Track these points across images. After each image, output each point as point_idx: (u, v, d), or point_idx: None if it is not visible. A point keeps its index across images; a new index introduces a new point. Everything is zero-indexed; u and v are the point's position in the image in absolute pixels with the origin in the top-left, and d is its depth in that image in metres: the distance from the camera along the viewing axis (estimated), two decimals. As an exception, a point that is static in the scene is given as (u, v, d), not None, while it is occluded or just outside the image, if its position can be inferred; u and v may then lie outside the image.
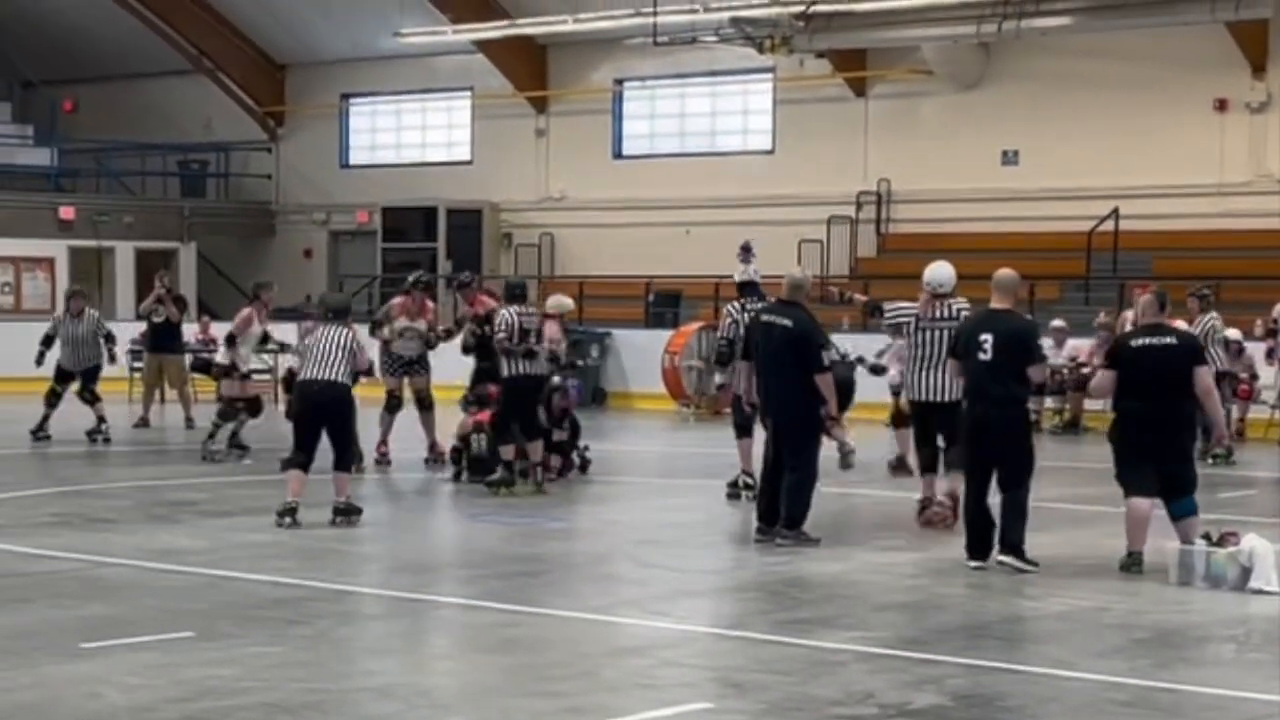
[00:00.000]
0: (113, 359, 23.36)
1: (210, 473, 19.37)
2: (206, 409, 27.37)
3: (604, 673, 9.78)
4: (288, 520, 14.98)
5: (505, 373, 17.44)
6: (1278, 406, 23.84)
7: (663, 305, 31.96)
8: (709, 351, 27.89)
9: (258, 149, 40.97)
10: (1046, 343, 20.26)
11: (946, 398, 14.72)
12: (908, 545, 14.41)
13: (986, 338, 13.04)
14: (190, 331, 29.13)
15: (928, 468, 15.49)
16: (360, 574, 13.11)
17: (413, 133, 39.60)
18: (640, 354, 28.88)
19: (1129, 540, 12.96)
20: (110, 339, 23.22)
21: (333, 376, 15.23)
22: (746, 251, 17.64)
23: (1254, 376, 24.01)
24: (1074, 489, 17.52)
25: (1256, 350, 23.91)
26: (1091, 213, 29.35)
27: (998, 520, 13.04)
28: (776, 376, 14.36)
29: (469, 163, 38.21)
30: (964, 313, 15.04)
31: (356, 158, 40.26)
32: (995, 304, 13.38)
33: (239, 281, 39.78)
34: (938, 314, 15.16)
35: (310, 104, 40.20)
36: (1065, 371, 24.61)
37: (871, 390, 25.53)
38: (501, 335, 17.35)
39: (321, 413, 15.34)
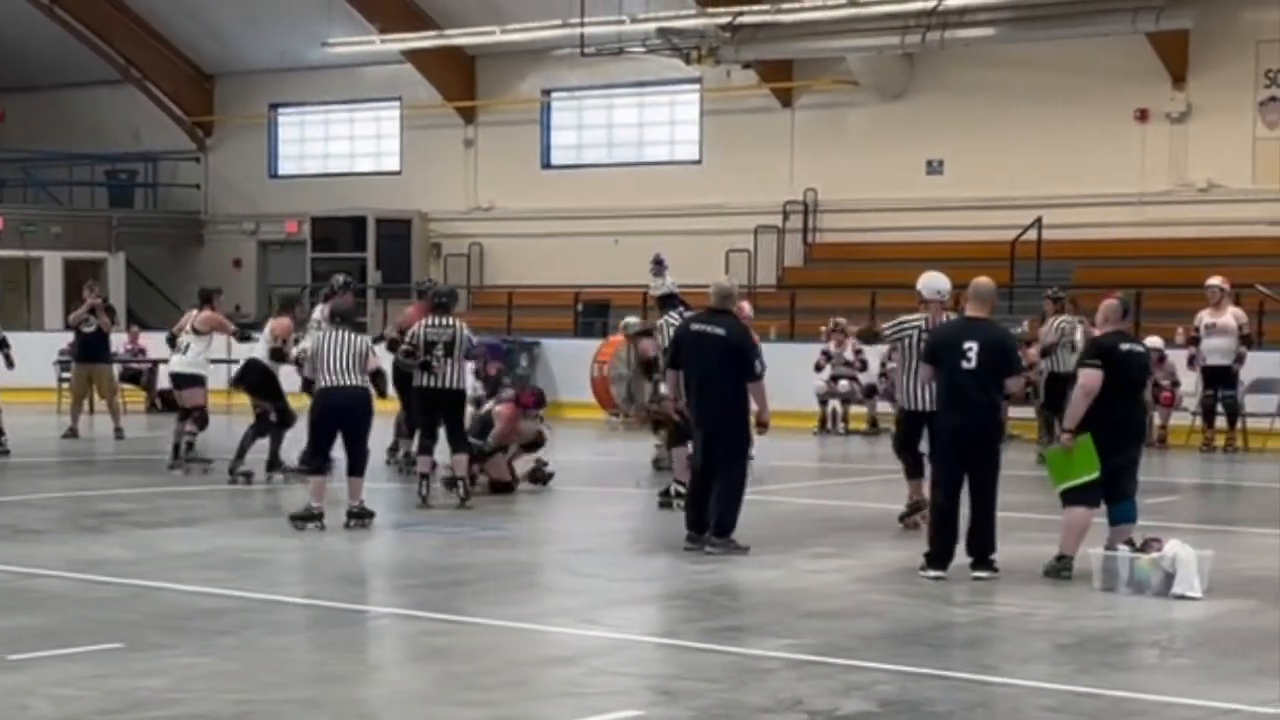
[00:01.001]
0: (10, 364, 23.00)
1: (139, 483, 19.29)
2: (135, 420, 27.38)
3: (534, 681, 9.80)
4: (313, 525, 15.23)
5: (415, 383, 17.46)
6: (1199, 413, 24.06)
7: (591, 315, 32.00)
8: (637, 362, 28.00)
9: (186, 159, 40.84)
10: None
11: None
12: (837, 552, 14.49)
13: (971, 346, 13.06)
14: (119, 342, 29.02)
15: (916, 472, 15.43)
16: (290, 584, 13.09)
17: (341, 143, 39.56)
18: (569, 364, 28.87)
19: (1063, 545, 13.03)
20: (3, 344, 23.00)
21: (355, 382, 15.46)
22: (659, 265, 17.73)
23: (1176, 384, 24.23)
24: (1004, 495, 17.59)
25: (1179, 358, 24.13)
26: (1015, 222, 29.57)
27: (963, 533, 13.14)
28: (709, 385, 14.40)
29: (398, 173, 38.21)
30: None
31: (285, 168, 40.18)
32: (972, 312, 13.44)
33: (168, 291, 39.70)
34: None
35: (239, 114, 40.09)
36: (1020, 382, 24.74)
37: (802, 398, 25.77)
38: (405, 346, 17.39)
39: (343, 418, 15.51)
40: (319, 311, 19.60)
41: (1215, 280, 23.91)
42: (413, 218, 37.29)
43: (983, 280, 13.62)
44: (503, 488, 18.31)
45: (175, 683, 9.43)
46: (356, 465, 15.62)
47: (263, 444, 19.26)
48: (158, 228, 40.97)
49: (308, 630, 11.46)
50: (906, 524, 15.46)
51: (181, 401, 20.60)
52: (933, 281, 15.46)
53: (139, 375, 30.98)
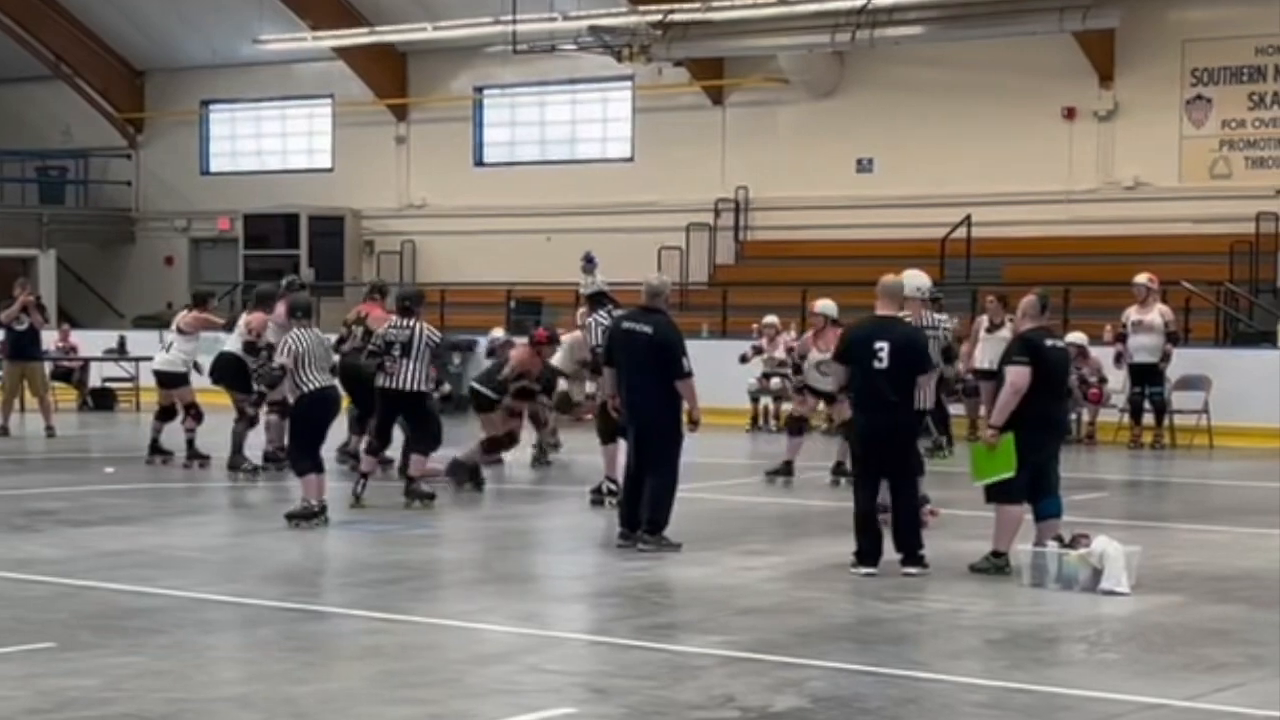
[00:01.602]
0: None
1: (70, 482, 19.23)
2: (66, 418, 27.23)
3: (467, 679, 9.79)
4: (317, 522, 15.36)
5: (376, 383, 17.45)
6: (1126, 410, 24.25)
7: (524, 312, 31.99)
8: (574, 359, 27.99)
9: (117, 155, 40.64)
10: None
11: (923, 405, 14.90)
12: (769, 550, 14.55)
13: (882, 345, 13.07)
14: (50, 339, 28.88)
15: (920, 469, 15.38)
16: (222, 582, 13.02)
17: (273, 139, 39.45)
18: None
19: (997, 541, 13.11)
20: None
21: (332, 380, 15.79)
22: (589, 262, 17.76)
23: (1103, 380, 24.42)
24: (933, 493, 17.72)
25: (1106, 355, 24.32)
26: (945, 220, 29.72)
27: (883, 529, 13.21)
28: (639, 383, 14.45)
29: (330, 170, 38.14)
30: (942, 322, 15.26)
31: (217, 165, 40.04)
32: (882, 310, 13.43)
33: (99, 289, 39.52)
34: (925, 322, 15.24)
35: (170, 110, 39.92)
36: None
37: (734, 395, 25.85)
38: (371, 346, 17.44)
39: (330, 418, 15.79)
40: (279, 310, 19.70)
41: (1142, 278, 24.11)
42: (345, 215, 37.23)
43: (891, 278, 13.67)
44: (495, 445, 18.55)
45: (107, 682, 9.40)
46: (320, 464, 15.85)
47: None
48: (89, 225, 40.77)
49: (240, 629, 11.42)
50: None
51: (164, 400, 20.69)
52: (913, 279, 15.44)
53: (70, 373, 30.85)
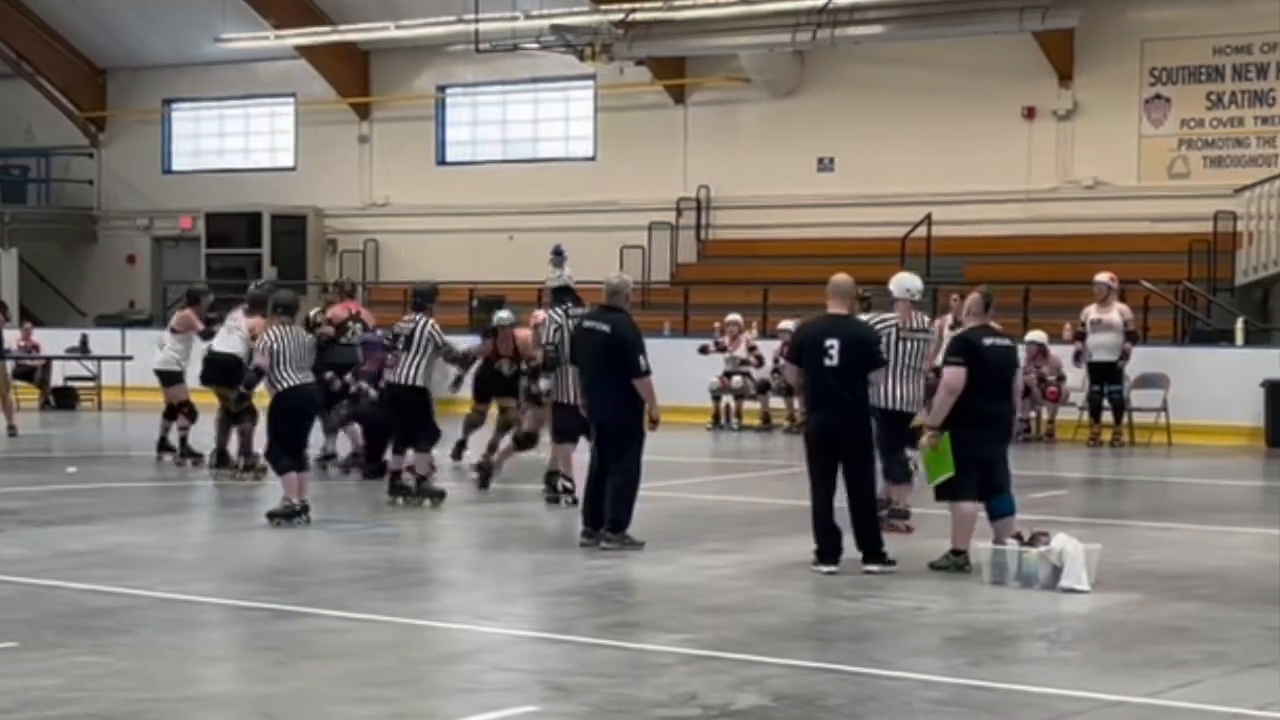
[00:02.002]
0: None
1: (33, 481, 19.19)
2: (29, 417, 27.15)
3: (431, 678, 9.84)
4: (299, 521, 15.39)
5: (384, 379, 17.56)
6: (1085, 408, 24.37)
7: (486, 311, 31.95)
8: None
9: (79, 154, 40.54)
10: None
11: (914, 408, 14.94)
12: (730, 548, 14.59)
13: (832, 343, 13.08)
14: (12, 338, 28.80)
15: (906, 477, 15.29)
16: (186, 582, 13.02)
17: (236, 138, 39.38)
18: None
19: (955, 540, 13.18)
20: None
21: (311, 379, 15.80)
22: (559, 255, 17.78)
23: (1061, 378, 24.54)
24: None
25: (1065, 353, 24.43)
26: (905, 218, 29.81)
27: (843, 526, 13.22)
28: (598, 382, 14.53)
29: (293, 169, 38.09)
30: (926, 324, 15.26)
31: (179, 163, 39.96)
32: (833, 309, 13.42)
33: (61, 288, 39.40)
34: (914, 324, 15.16)
35: (132, 109, 39.83)
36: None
37: (696, 394, 25.90)
38: (386, 341, 17.54)
39: (309, 416, 15.81)
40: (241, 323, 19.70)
41: (1103, 277, 24.22)
42: (308, 214, 37.20)
43: (842, 277, 13.62)
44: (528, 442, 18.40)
45: (70, 682, 9.39)
46: (304, 462, 15.89)
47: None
48: (50, 224, 40.64)
49: (204, 628, 11.41)
50: (904, 528, 15.04)
51: (168, 398, 20.57)
52: (903, 281, 15.37)
53: (32, 372, 30.78)
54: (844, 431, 13.17)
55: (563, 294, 17.35)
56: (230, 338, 19.36)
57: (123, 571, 13.10)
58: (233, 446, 19.50)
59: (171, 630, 11.07)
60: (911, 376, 15.02)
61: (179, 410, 20.47)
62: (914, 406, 14.96)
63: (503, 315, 19.51)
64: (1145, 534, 15.69)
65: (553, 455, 17.39)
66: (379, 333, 19.56)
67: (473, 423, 20.45)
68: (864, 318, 15.17)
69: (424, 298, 17.57)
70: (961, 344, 13.35)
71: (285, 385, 15.58)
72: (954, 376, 13.07)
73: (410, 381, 17.07)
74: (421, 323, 17.16)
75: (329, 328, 19.69)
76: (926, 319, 15.58)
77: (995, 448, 13.21)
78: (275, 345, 15.64)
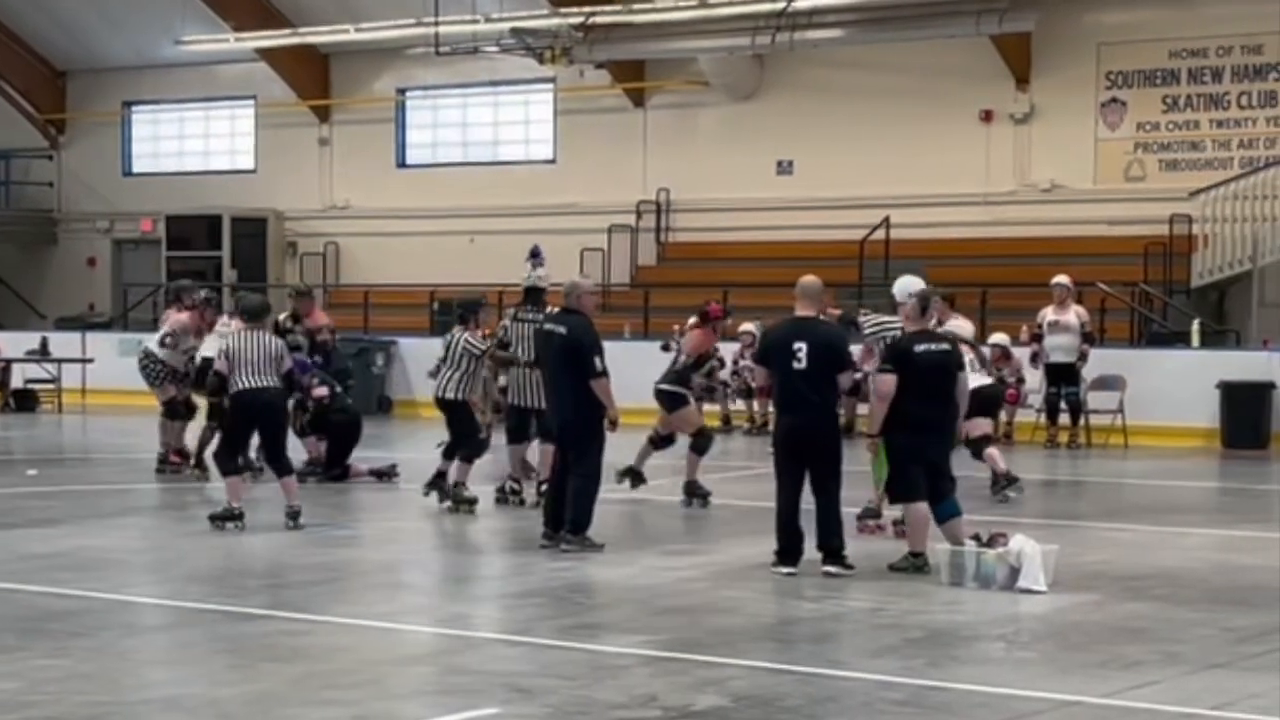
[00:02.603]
0: None
1: (-10, 485, 19.15)
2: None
3: (390, 680, 9.84)
4: (233, 525, 15.28)
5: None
6: (1043, 410, 24.47)
7: (447, 314, 31.96)
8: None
9: (39, 156, 40.41)
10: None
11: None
12: (690, 550, 14.65)
13: (800, 346, 13.11)
14: (-30, 341, 28.76)
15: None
16: (145, 584, 13.04)
17: (196, 141, 39.30)
18: (425, 363, 28.82)
19: (912, 543, 13.25)
20: None
21: (270, 383, 15.52)
22: (535, 256, 17.77)
23: (1021, 380, 24.63)
24: (850, 492, 17.80)
25: (1021, 355, 24.51)
26: (864, 221, 29.91)
27: (805, 528, 13.23)
28: (558, 383, 14.58)
29: (253, 171, 38.04)
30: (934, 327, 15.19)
31: (139, 166, 39.87)
32: (801, 311, 13.45)
33: (21, 290, 39.28)
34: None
35: (92, 111, 39.73)
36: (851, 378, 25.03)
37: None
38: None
39: (262, 420, 15.59)
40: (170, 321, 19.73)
41: (1061, 279, 24.33)
42: (268, 216, 37.17)
43: (810, 279, 13.65)
44: (702, 439, 17.74)
45: (29, 685, 9.39)
46: (285, 466, 15.74)
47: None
48: (10, 226, 40.50)
49: (164, 631, 11.42)
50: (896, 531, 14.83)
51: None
52: (906, 284, 15.12)
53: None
54: (812, 434, 13.21)
55: (531, 294, 17.37)
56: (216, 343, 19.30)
57: (83, 574, 13.09)
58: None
59: (132, 633, 11.09)
60: None
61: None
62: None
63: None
64: (1102, 535, 15.77)
65: (512, 458, 17.43)
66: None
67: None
68: (873, 322, 15.15)
69: (467, 310, 17.55)
70: (892, 352, 13.53)
71: (238, 388, 15.55)
72: (884, 384, 13.22)
73: (442, 394, 17.04)
74: (457, 335, 17.10)
75: (300, 337, 19.73)
76: (934, 322, 15.39)
77: (934, 452, 13.26)
78: (228, 346, 15.63)
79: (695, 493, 17.47)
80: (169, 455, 19.83)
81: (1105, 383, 24.75)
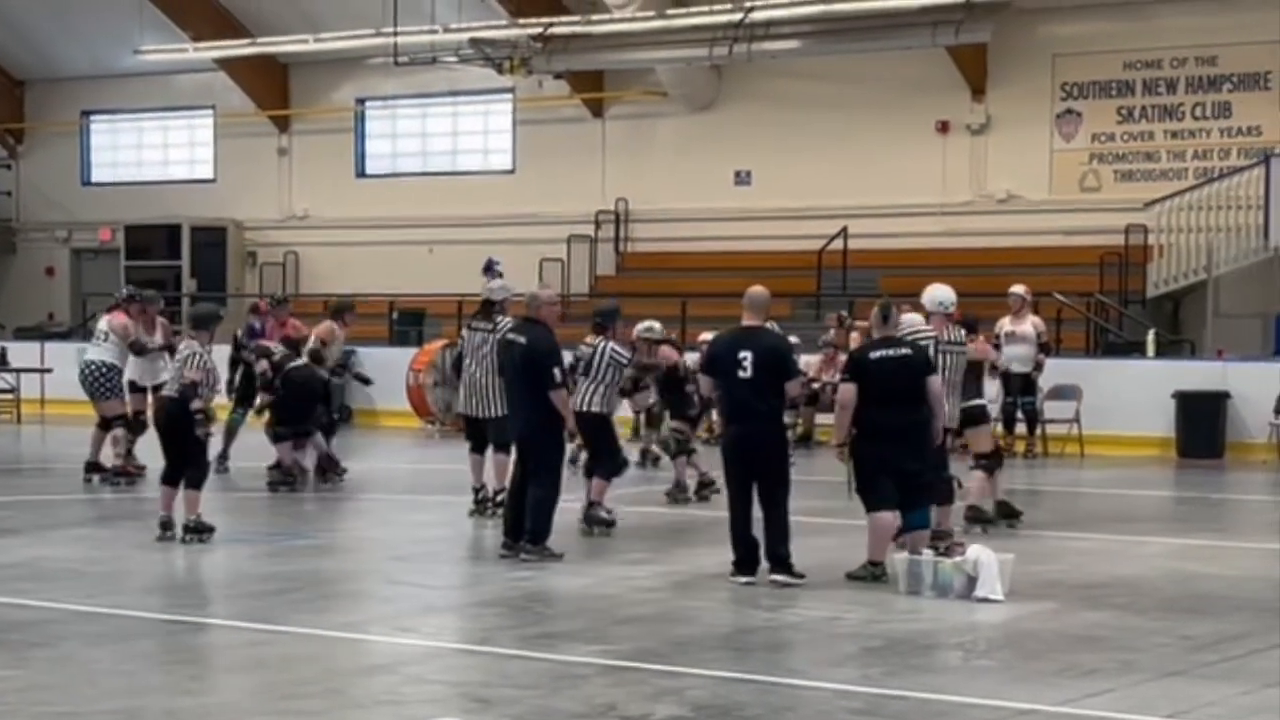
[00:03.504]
0: None
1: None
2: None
3: (351, 690, 9.87)
4: (165, 534, 15.22)
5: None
6: (999, 419, 24.54)
7: (406, 323, 32.03)
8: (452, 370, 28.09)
9: (-3, 166, 40.33)
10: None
11: (955, 423, 14.98)
12: (649, 559, 14.67)
13: (746, 355, 13.14)
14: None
15: (948, 498, 15.00)
16: (106, 595, 12.97)
17: (155, 150, 39.26)
18: (385, 372, 28.90)
19: (871, 551, 13.27)
20: None
21: (172, 392, 15.30)
22: (489, 270, 17.77)
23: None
24: (807, 501, 17.84)
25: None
26: (821, 231, 30.02)
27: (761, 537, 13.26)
28: (518, 393, 14.63)
29: (212, 181, 38.00)
30: (963, 335, 15.15)
31: (98, 175, 39.81)
32: (748, 321, 13.49)
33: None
34: (949, 337, 15.01)
35: (50, 121, 39.63)
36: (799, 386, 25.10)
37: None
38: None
39: (163, 429, 15.41)
40: (104, 322, 19.66)
41: (1018, 289, 24.41)
42: (227, 226, 37.14)
43: (757, 289, 13.68)
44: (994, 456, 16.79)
45: (-10, 696, 9.38)
46: (190, 478, 15.34)
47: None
48: (-32, 236, 40.42)
49: (124, 641, 11.37)
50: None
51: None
52: (934, 293, 15.24)
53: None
54: (758, 443, 13.23)
55: (485, 306, 17.36)
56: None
57: (42, 585, 13.06)
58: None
59: (91, 643, 11.05)
60: (950, 391, 14.73)
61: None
62: (952, 422, 14.89)
63: (654, 326, 19.09)
64: (1058, 544, 15.83)
65: (472, 467, 17.46)
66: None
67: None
68: (906, 328, 14.96)
69: (606, 318, 16.89)
70: (850, 362, 13.65)
71: (164, 395, 15.41)
72: (843, 394, 13.31)
73: (587, 407, 16.20)
74: (601, 346, 16.52)
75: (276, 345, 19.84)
76: (962, 332, 15.36)
77: (903, 460, 13.21)
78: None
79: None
80: (125, 467, 19.76)
81: (1061, 392, 24.85)
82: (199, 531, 15.24)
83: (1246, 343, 27.13)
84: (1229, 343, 26.48)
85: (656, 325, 19.19)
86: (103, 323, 20.02)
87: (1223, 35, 28.54)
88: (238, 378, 21.19)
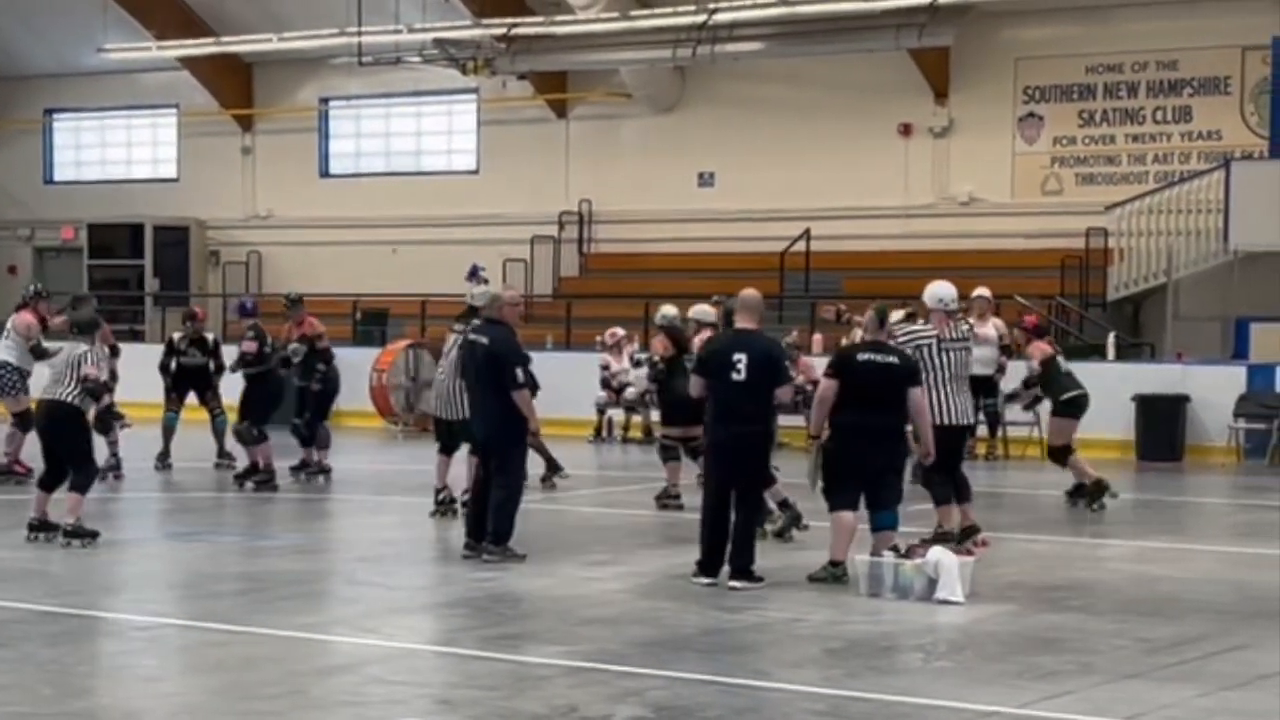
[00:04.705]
0: None
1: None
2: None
3: (313, 690, 9.87)
4: (34, 536, 15.06)
5: None
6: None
7: (370, 323, 31.99)
8: (415, 370, 28.09)
9: (-40, 164, 40.16)
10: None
11: (966, 420, 15.01)
12: (611, 560, 14.69)
13: (740, 358, 13.17)
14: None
15: (949, 497, 15.06)
16: (66, 595, 12.96)
17: (118, 149, 39.14)
18: (348, 372, 28.76)
19: (833, 551, 13.30)
20: None
21: (58, 395, 15.03)
22: (474, 275, 17.74)
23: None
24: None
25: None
26: (784, 233, 30.06)
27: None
28: (481, 394, 14.63)
29: (175, 180, 37.91)
30: (966, 332, 15.07)
31: (61, 174, 39.68)
32: (741, 324, 13.52)
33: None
34: (951, 334, 14.92)
35: (13, 119, 39.48)
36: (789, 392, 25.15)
37: (578, 406, 25.96)
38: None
39: (46, 432, 15.19)
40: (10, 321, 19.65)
41: (982, 291, 24.39)
42: (190, 225, 37.07)
43: (750, 292, 13.74)
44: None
45: (-50, 696, 9.37)
46: (74, 481, 15.09)
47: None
48: (-69, 234, 40.21)
49: (84, 642, 11.40)
50: (961, 552, 13.99)
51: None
52: (935, 290, 15.18)
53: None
54: (742, 446, 13.29)
55: (471, 312, 17.12)
56: None
57: (1, 585, 13.04)
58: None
59: (52, 643, 11.04)
60: (959, 388, 14.79)
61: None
62: (965, 419, 14.95)
63: (669, 312, 18.87)
64: (1018, 546, 15.87)
65: (438, 469, 17.44)
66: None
67: None
68: (904, 331, 14.95)
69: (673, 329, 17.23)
70: (835, 359, 13.65)
71: (44, 398, 15.32)
72: (824, 389, 13.35)
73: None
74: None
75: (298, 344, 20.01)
76: (966, 327, 15.29)
77: (876, 461, 13.27)
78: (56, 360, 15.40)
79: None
80: (11, 465, 19.69)
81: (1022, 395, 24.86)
82: (79, 536, 14.98)
83: (1206, 346, 27.24)
84: (1188, 346, 26.58)
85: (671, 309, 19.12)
86: (9, 321, 19.95)
87: (1184, 40, 28.68)
88: (169, 379, 21.41)
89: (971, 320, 23.93)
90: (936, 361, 14.69)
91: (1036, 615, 12.27)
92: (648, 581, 13.50)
